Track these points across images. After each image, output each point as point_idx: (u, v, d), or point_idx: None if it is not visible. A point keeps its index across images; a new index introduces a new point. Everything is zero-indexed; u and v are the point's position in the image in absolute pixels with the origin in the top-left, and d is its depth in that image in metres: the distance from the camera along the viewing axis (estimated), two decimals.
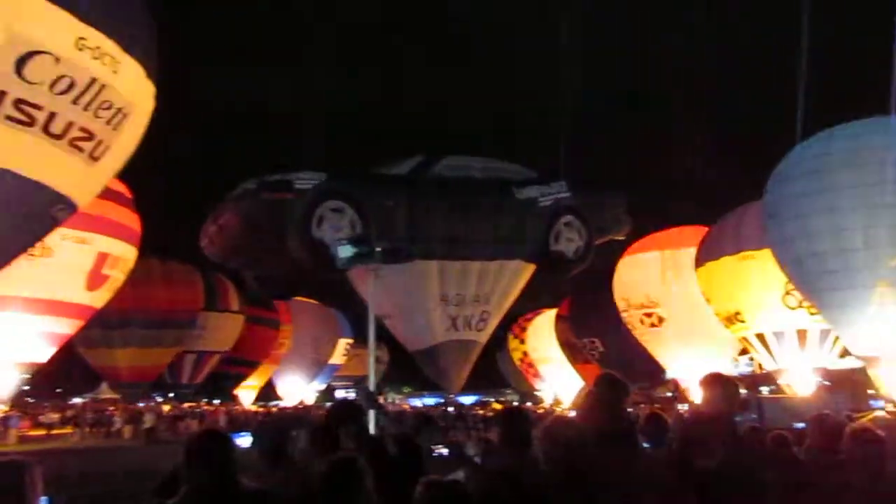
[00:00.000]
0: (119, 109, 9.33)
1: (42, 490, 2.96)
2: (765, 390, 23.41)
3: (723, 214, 17.67)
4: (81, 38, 8.45)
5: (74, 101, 8.64)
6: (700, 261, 17.35)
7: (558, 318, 27.34)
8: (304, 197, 15.74)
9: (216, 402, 33.18)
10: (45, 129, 8.55)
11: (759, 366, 19.78)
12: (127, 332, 22.14)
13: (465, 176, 17.62)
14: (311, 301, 30.19)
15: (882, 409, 13.44)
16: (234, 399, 31.70)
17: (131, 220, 18.70)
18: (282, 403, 32.25)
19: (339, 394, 29.41)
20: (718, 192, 27.30)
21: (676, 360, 19.96)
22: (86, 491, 11.07)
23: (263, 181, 16.05)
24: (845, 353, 15.62)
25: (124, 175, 11.42)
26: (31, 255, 14.13)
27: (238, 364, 27.47)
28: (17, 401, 21.90)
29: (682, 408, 20.80)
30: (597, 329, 23.44)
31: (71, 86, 8.51)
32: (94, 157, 9.46)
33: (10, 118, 8.17)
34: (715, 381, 3.87)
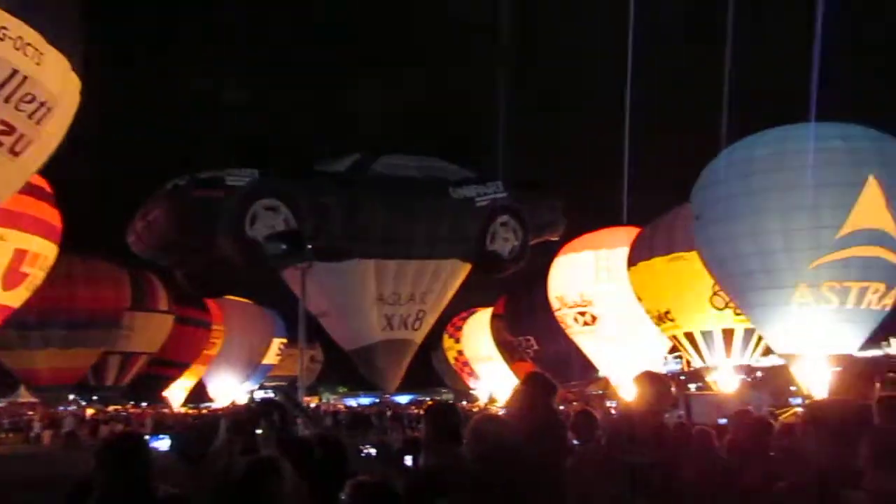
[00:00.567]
0: (42, 103, 8.93)
1: None
2: (692, 387, 24.13)
3: (656, 216, 18.06)
4: (2, 28, 8.06)
5: None
6: (632, 261, 17.71)
7: (494, 316, 27.54)
8: (237, 194, 15.41)
9: (144, 404, 32.23)
10: None
11: (688, 363, 20.33)
12: (47, 332, 21.24)
13: (403, 175, 17.57)
14: (244, 300, 29.62)
15: (801, 405, 13.95)
16: (163, 401, 30.84)
17: (51, 216, 17.92)
18: (213, 405, 31.54)
19: (259, 394, 28.91)
20: (652, 194, 27.94)
21: (608, 358, 20.33)
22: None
23: (195, 177, 15.64)
24: (768, 351, 16.19)
25: (45, 168, 10.93)
26: None
27: (167, 365, 26.72)
28: None
29: (611, 405, 21.23)
30: (532, 327, 23.69)
31: None
32: (14, 152, 9.03)
33: None
34: (648, 379, 3.93)
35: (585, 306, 19.95)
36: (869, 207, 11.28)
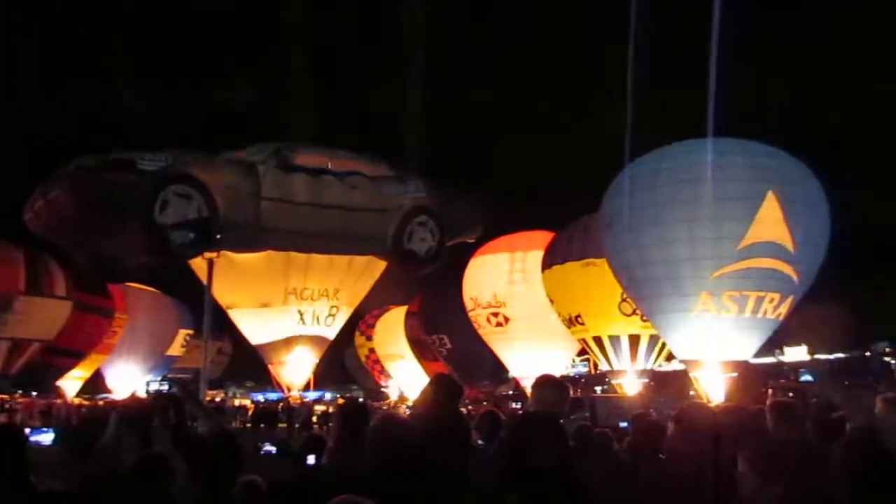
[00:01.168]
0: None
1: None
2: (598, 390, 24.77)
3: (571, 220, 18.41)
4: None
5: None
6: (546, 264, 18.03)
7: (408, 314, 27.50)
8: (149, 179, 14.85)
9: (34, 394, 30.58)
10: None
11: (595, 366, 20.84)
12: None
13: (321, 168, 17.32)
14: (150, 288, 28.51)
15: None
16: (56, 391, 29.33)
17: None
18: (111, 396, 30.23)
19: (155, 386, 27.91)
20: (569, 198, 28.57)
21: (519, 360, 20.63)
22: None
23: (103, 158, 14.97)
24: (671, 356, 16.80)
25: None
26: None
27: (62, 354, 25.34)
28: None
29: (517, 406, 21.54)
30: (446, 326, 23.78)
31: None
32: None
33: None
34: (546, 383, 3.99)
35: (498, 307, 20.18)
36: (767, 221, 11.86)
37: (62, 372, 27.05)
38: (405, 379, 31.08)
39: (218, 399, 40.34)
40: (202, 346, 17.16)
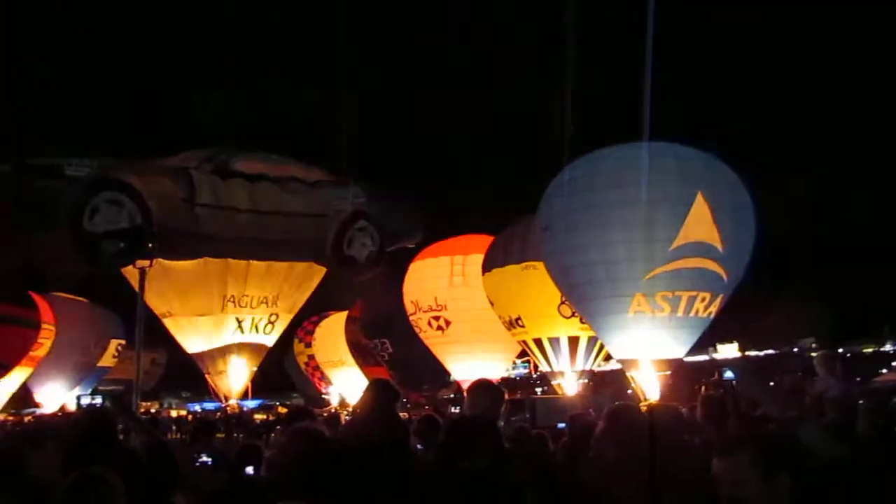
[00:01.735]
0: None
1: None
2: (538, 391, 25.09)
3: (511, 224, 18.56)
4: None
5: None
6: (487, 267, 18.15)
7: (349, 319, 27.32)
8: (77, 185, 14.40)
9: None
10: None
11: (535, 367, 21.09)
12: None
13: (258, 174, 17.09)
14: (78, 298, 27.55)
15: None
16: None
17: None
18: (39, 411, 29.07)
19: (87, 400, 26.96)
20: (509, 202, 28.85)
21: (460, 363, 20.71)
22: None
23: (25, 163, 14.45)
24: (609, 357, 17.13)
25: None
26: None
27: None
28: None
29: (458, 410, 21.63)
30: (388, 331, 23.70)
31: None
32: None
33: None
34: (480, 387, 4.05)
35: (439, 311, 20.21)
36: (698, 222, 12.24)
37: None
38: (346, 385, 30.84)
39: (153, 410, 39.27)
40: (135, 357, 16.66)
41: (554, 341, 17.38)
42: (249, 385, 19.86)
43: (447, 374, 22.27)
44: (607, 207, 12.54)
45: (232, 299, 18.11)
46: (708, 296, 12.69)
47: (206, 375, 19.35)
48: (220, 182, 16.29)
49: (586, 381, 18.54)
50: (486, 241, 19.36)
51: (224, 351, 18.76)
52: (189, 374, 24.12)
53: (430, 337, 20.73)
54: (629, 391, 15.52)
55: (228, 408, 19.53)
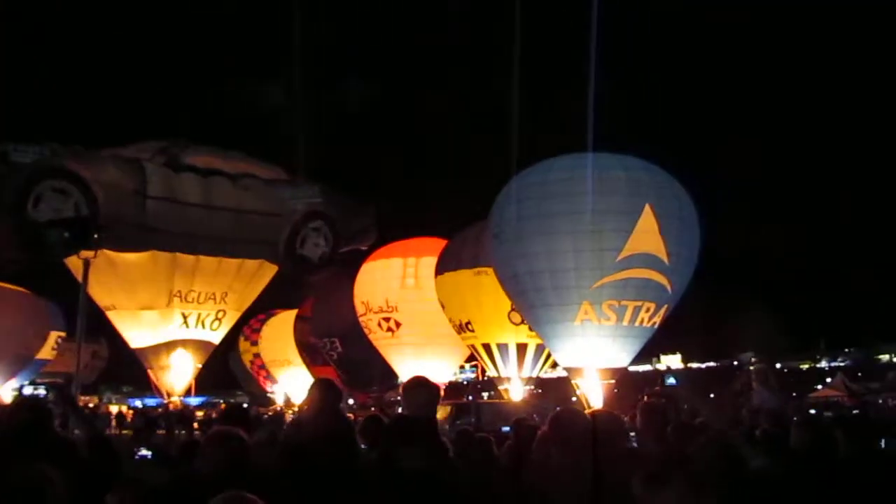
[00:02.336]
0: None
1: None
2: (485, 396, 25.28)
3: (465, 227, 18.65)
4: None
5: None
6: (439, 270, 18.22)
7: (299, 318, 27.06)
8: (21, 172, 13.98)
9: None
10: None
11: (482, 372, 21.23)
12: None
13: (212, 169, 16.85)
14: (17, 287, 26.69)
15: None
16: None
17: None
18: None
19: (28, 390, 26.26)
20: (464, 206, 29.02)
21: (408, 365, 20.72)
22: None
23: None
24: (556, 364, 17.37)
25: None
26: None
27: None
28: None
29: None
30: (338, 330, 23.56)
31: None
32: None
33: None
34: (416, 384, 4.08)
35: (390, 313, 20.20)
36: (645, 233, 12.54)
37: None
38: (292, 385, 30.54)
39: (91, 405, 38.26)
40: (75, 350, 16.25)
41: (502, 347, 17.55)
42: (193, 382, 19.53)
43: (395, 375, 22.26)
44: (556, 217, 12.74)
45: (178, 294, 17.80)
46: (653, 306, 13.00)
47: (149, 370, 18.98)
48: (172, 175, 16.02)
49: (532, 387, 18.76)
50: (439, 244, 19.43)
51: (168, 346, 18.43)
52: (131, 368, 23.62)
53: (379, 338, 20.69)
54: (573, 398, 15.77)
55: (171, 404, 19.18)
